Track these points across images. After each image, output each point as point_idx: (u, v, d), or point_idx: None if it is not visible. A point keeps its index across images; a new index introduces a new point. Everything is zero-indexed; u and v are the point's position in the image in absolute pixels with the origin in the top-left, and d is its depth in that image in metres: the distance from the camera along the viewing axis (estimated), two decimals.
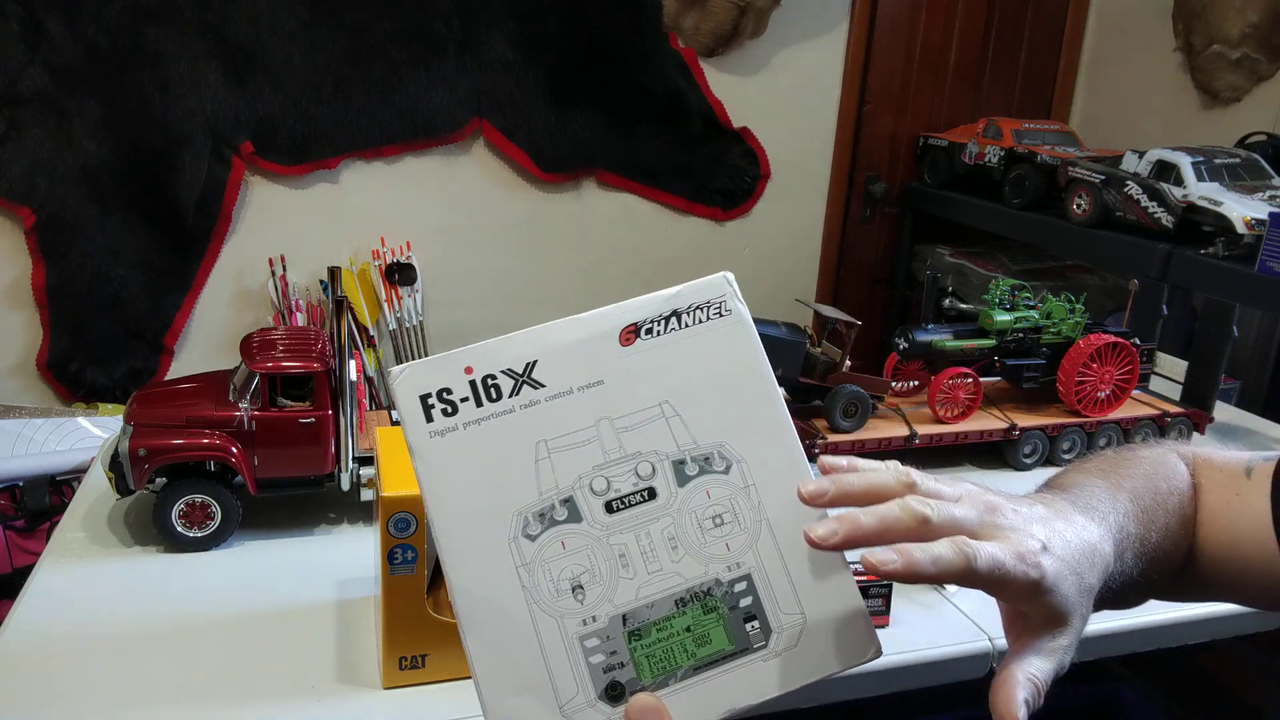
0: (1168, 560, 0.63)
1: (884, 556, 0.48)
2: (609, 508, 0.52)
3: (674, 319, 0.55)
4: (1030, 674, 0.50)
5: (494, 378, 0.52)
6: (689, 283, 0.56)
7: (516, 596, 0.49)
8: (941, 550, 0.48)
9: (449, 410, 0.51)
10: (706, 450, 0.53)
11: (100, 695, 0.92)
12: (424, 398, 0.51)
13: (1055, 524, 0.52)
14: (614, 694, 0.49)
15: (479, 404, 0.52)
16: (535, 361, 0.53)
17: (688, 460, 0.53)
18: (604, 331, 0.54)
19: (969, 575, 0.48)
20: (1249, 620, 1.18)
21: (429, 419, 0.51)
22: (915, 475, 0.52)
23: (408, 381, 0.52)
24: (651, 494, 0.52)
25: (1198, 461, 0.68)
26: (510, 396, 0.52)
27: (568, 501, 0.51)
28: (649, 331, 0.54)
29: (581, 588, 0.50)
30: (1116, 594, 0.57)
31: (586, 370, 0.53)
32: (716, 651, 0.51)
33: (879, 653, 0.52)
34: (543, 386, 0.52)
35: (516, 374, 0.52)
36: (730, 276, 0.57)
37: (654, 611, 0.51)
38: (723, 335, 0.55)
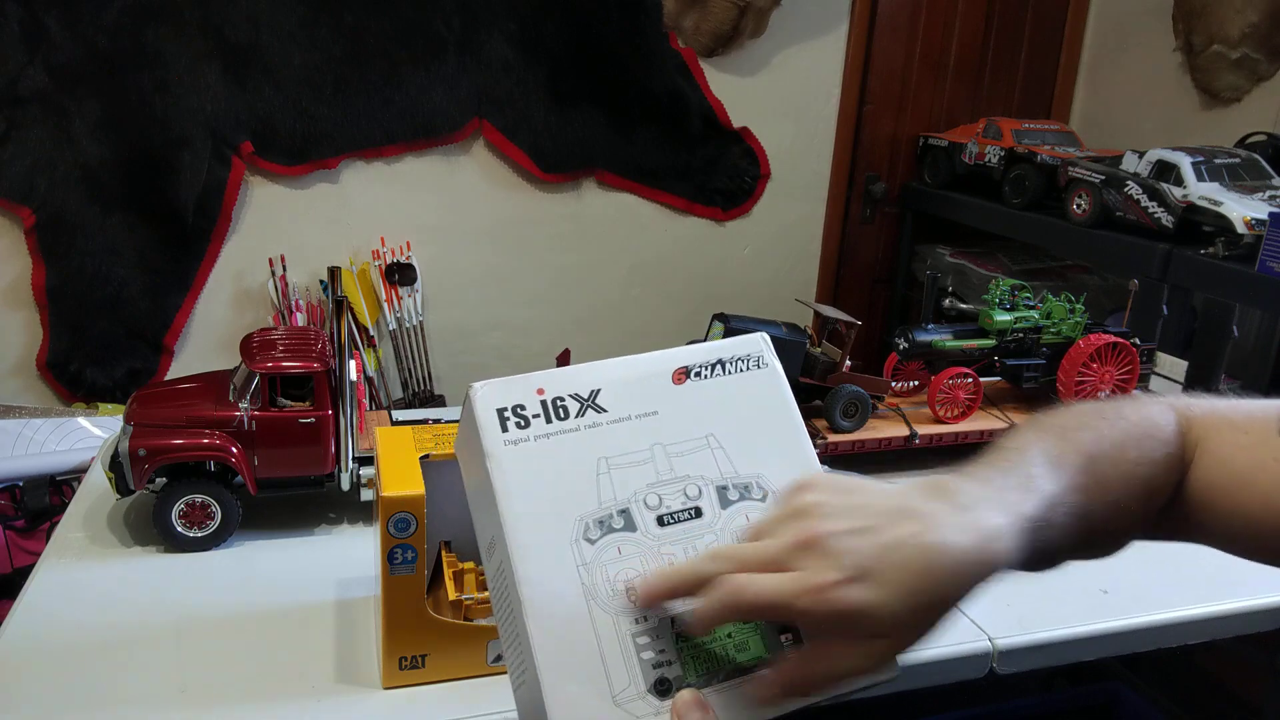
0: (1120, 526, 0.62)
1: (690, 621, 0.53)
2: (660, 521, 0.57)
3: (719, 366, 0.62)
4: (810, 674, 0.51)
5: (562, 400, 0.58)
6: (732, 338, 0.64)
7: (577, 592, 0.54)
8: (701, 605, 0.51)
9: (522, 424, 0.57)
10: (746, 480, 0.60)
11: (100, 695, 0.92)
12: (500, 411, 0.57)
13: (901, 531, 0.50)
14: (662, 688, 0.53)
15: (548, 421, 0.58)
16: (599, 390, 0.59)
17: (729, 487, 0.59)
18: (660, 370, 0.61)
19: (737, 616, 0.51)
20: (1249, 620, 1.18)
21: (504, 429, 0.57)
22: (719, 558, 0.53)
23: (486, 396, 0.58)
24: (698, 513, 0.58)
25: (1209, 422, 0.65)
26: (576, 417, 0.58)
27: (624, 512, 0.57)
28: (698, 374, 0.62)
29: (634, 589, 0.55)
30: (1043, 561, 0.58)
31: (643, 401, 0.60)
32: (755, 658, 0.55)
33: (896, 672, 0.55)
34: (605, 412, 0.59)
35: (583, 399, 0.59)
36: (766, 337, 0.64)
37: None
38: (760, 383, 0.63)
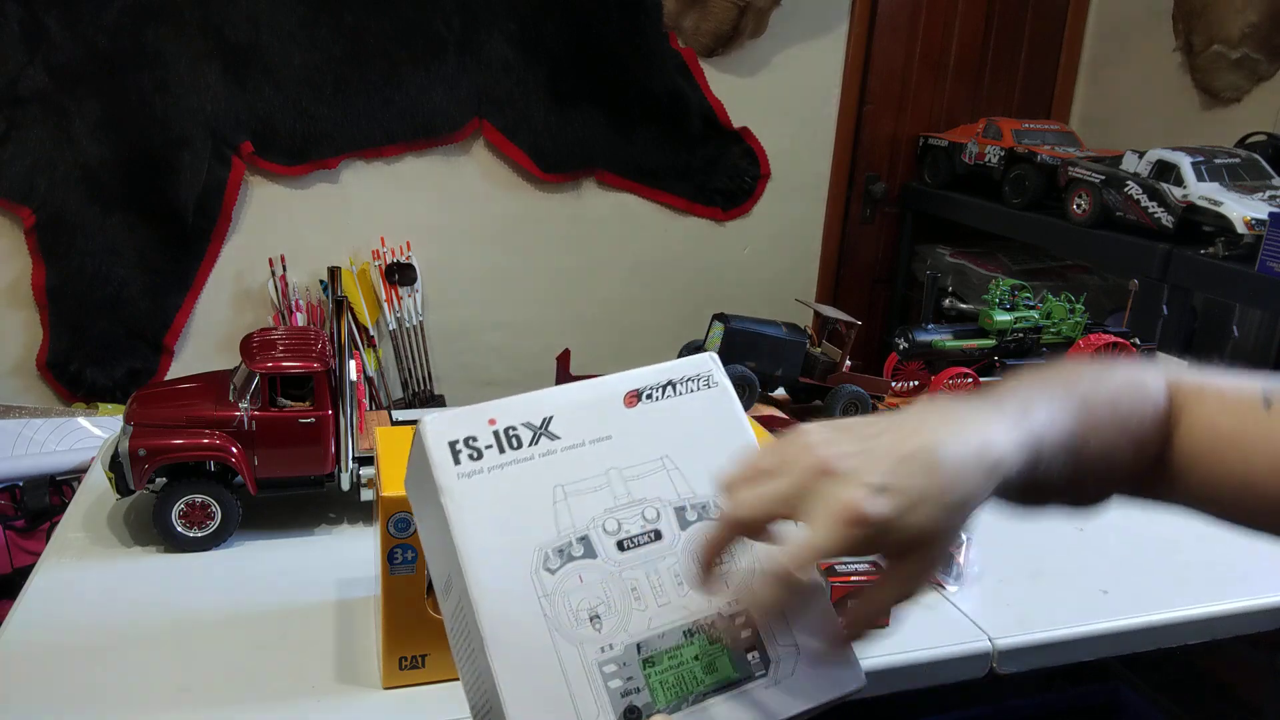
0: (1110, 474, 0.63)
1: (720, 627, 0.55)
2: (620, 546, 0.57)
3: (670, 387, 0.62)
4: (864, 611, 0.54)
5: (514, 429, 0.58)
6: (681, 359, 0.63)
7: (539, 624, 0.53)
8: (761, 597, 0.52)
9: (475, 455, 0.56)
10: (703, 500, 0.59)
11: (100, 695, 0.92)
12: (452, 444, 0.56)
13: (908, 445, 0.51)
14: (632, 717, 0.53)
15: (501, 451, 0.57)
16: (551, 417, 0.58)
17: (687, 507, 0.59)
18: (611, 394, 0.61)
19: (805, 580, 0.52)
20: (1249, 620, 1.18)
21: (456, 462, 0.56)
22: (742, 504, 0.52)
23: (437, 429, 0.56)
24: (658, 535, 0.58)
25: (1199, 389, 0.67)
26: (530, 446, 0.57)
27: (583, 539, 0.56)
28: (649, 396, 0.61)
29: (598, 618, 0.54)
30: (1039, 493, 0.59)
31: (596, 426, 0.59)
32: (723, 678, 0.55)
33: (863, 684, 0.57)
34: (558, 439, 0.58)
35: (535, 427, 0.58)
36: (715, 356, 0.64)
37: (665, 641, 0.55)
38: (711, 403, 0.63)
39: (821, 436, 0.53)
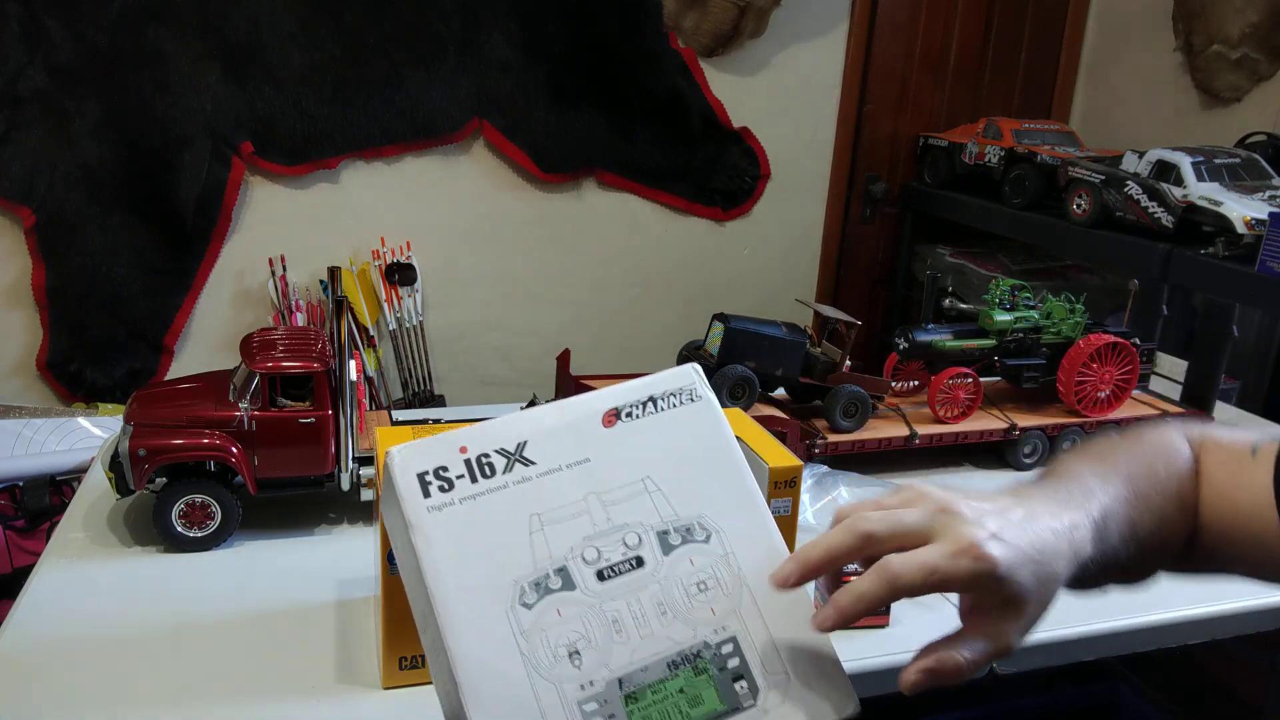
0: (1164, 543, 0.65)
1: (823, 615, 0.53)
2: (600, 576, 0.54)
3: (650, 404, 0.59)
4: (956, 654, 0.54)
5: (487, 456, 0.55)
6: (662, 372, 0.61)
7: (516, 665, 0.51)
8: (864, 586, 0.51)
9: (445, 487, 0.54)
10: (687, 521, 0.57)
11: (100, 695, 0.92)
12: (421, 475, 0.54)
13: (1013, 514, 0.55)
14: None
15: (474, 480, 0.54)
16: (526, 442, 0.56)
17: (670, 531, 0.56)
18: (588, 414, 0.58)
19: (901, 593, 0.51)
20: (1249, 620, 1.18)
21: (426, 495, 0.53)
22: (871, 519, 0.54)
23: (405, 460, 0.54)
24: (639, 562, 0.55)
25: (1205, 444, 0.69)
26: (504, 474, 0.55)
27: (561, 571, 0.54)
28: (629, 414, 0.58)
29: (578, 653, 0.52)
30: (1103, 573, 0.61)
31: (573, 449, 0.57)
32: (710, 711, 0.53)
33: (858, 709, 0.55)
34: (533, 464, 0.56)
35: (509, 453, 0.55)
36: (698, 367, 0.61)
37: (648, 674, 0.53)
38: (694, 418, 0.60)
39: (936, 491, 0.56)
